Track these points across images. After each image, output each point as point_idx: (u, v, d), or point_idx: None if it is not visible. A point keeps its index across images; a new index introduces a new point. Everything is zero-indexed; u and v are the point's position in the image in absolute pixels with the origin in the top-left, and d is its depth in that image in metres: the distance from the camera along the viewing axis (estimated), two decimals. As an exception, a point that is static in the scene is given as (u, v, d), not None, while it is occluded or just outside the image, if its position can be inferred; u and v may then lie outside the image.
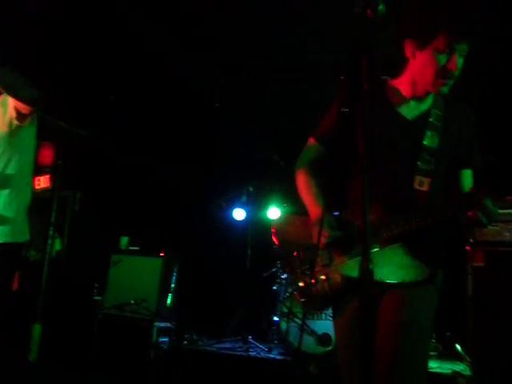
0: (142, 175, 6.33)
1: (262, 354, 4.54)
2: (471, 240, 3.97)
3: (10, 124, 2.31)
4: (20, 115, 2.29)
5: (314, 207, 2.05)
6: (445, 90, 1.92)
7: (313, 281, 2.03)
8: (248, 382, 4.23)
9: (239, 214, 6.12)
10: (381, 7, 1.52)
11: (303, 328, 4.13)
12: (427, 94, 1.99)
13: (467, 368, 3.93)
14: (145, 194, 6.30)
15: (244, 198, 5.97)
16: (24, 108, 2.26)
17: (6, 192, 2.30)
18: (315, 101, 5.39)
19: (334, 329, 2.10)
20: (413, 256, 1.86)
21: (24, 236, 2.38)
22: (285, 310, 4.69)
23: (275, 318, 4.89)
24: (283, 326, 4.64)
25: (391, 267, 1.83)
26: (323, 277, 1.99)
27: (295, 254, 2.15)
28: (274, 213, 5.93)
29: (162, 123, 6.01)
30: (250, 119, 6.01)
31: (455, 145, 1.99)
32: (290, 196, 5.70)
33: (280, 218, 2.28)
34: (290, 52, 5.04)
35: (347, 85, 1.90)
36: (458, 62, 1.85)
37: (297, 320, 4.57)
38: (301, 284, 2.07)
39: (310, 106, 5.56)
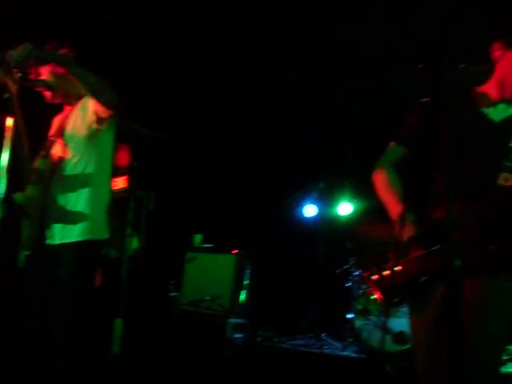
0: (216, 174, 6.43)
1: (336, 352, 4.49)
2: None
3: (90, 127, 2.41)
4: (99, 119, 2.38)
5: (394, 205, 2.03)
6: None
7: (387, 273, 1.98)
8: (322, 380, 4.18)
9: (310, 210, 6.09)
10: None
11: (385, 327, 4.03)
12: None
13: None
14: (218, 193, 6.40)
15: (315, 195, 5.93)
16: (104, 112, 2.34)
17: (86, 191, 2.41)
18: (385, 96, 5.29)
19: (410, 326, 2.03)
20: (492, 244, 1.78)
21: (104, 234, 2.47)
22: (359, 307, 4.60)
23: (349, 316, 4.81)
24: (357, 323, 4.56)
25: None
26: (399, 268, 1.93)
27: (371, 250, 2.12)
28: (344, 209, 5.85)
29: (235, 122, 6.07)
30: (320, 115, 5.94)
31: None
32: (361, 191, 5.60)
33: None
34: (365, 45, 4.92)
35: (427, 76, 1.85)
36: None
37: (371, 317, 4.47)
38: (374, 277, 2.03)
39: (379, 102, 5.44)
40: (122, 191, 6.65)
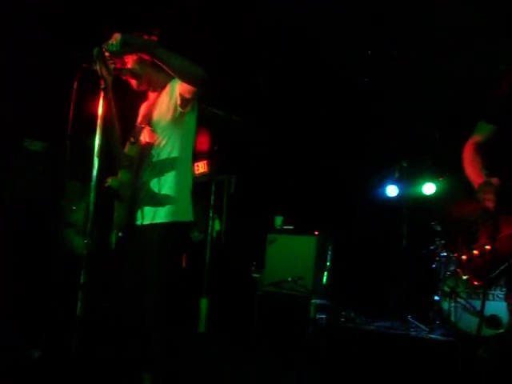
0: (294, 155, 6.43)
1: (423, 335, 4.38)
2: None
3: (174, 111, 2.48)
4: (184, 101, 2.44)
5: (477, 177, 1.99)
6: None
7: (476, 252, 1.90)
8: (408, 363, 4.10)
9: (392, 190, 5.94)
10: None
11: (482, 310, 3.87)
12: None
13: None
14: (297, 174, 6.39)
15: (396, 174, 5.76)
16: (189, 91, 2.40)
17: (172, 174, 2.50)
18: (468, 72, 5.02)
19: (507, 307, 1.94)
20: None
21: (189, 216, 2.55)
22: (446, 289, 4.45)
23: (436, 298, 4.67)
24: (445, 305, 4.41)
25: None
26: (488, 247, 1.86)
27: (459, 230, 2.06)
28: (429, 188, 5.64)
29: (312, 103, 6.01)
30: (401, 93, 5.74)
31: None
32: (446, 170, 5.38)
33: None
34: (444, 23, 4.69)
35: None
36: None
37: (460, 300, 4.31)
38: (463, 257, 1.96)
39: (463, 78, 5.17)
40: (202, 175, 6.83)
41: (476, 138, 2.15)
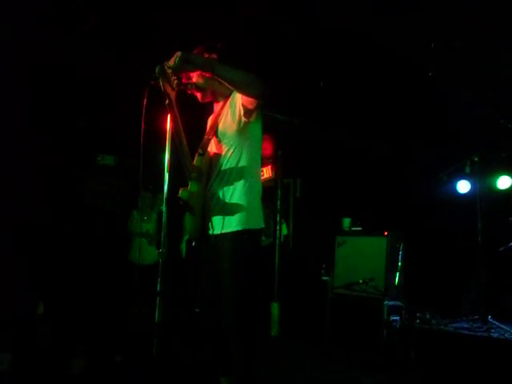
0: (360, 155, 6.35)
1: (507, 336, 4.18)
2: None
3: (239, 121, 2.54)
4: (247, 111, 2.49)
5: None
6: None
7: None
8: (490, 366, 3.93)
9: (464, 186, 5.74)
10: None
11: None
12: None
13: None
14: (363, 174, 6.31)
15: (467, 169, 5.56)
16: (251, 103, 2.45)
17: (240, 183, 2.55)
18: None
19: None
20: None
21: (260, 223, 2.59)
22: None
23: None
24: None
25: None
26: None
27: None
28: (504, 182, 5.40)
29: (376, 101, 5.91)
30: (470, 84, 5.53)
31: None
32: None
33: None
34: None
35: None
36: None
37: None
38: None
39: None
40: (268, 180, 6.90)
41: None
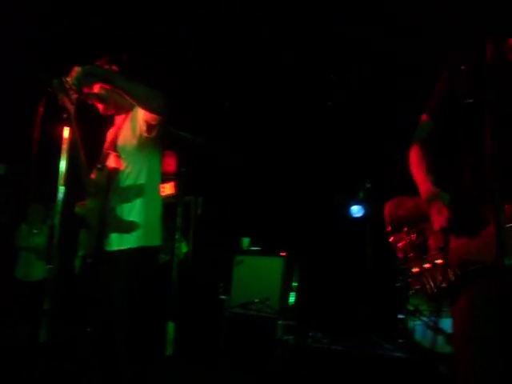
0: (260, 177, 6.48)
1: (388, 353, 4.43)
2: None
3: (140, 136, 2.49)
4: (148, 127, 2.46)
5: (424, 184, 1.90)
6: None
7: (428, 266, 1.86)
8: (374, 381, 4.15)
9: (357, 210, 6.05)
10: None
11: (436, 326, 3.95)
12: None
13: None
14: (263, 196, 6.44)
15: (361, 195, 5.88)
16: (153, 118, 2.42)
17: (139, 200, 2.50)
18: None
19: (453, 319, 1.84)
20: None
21: (157, 241, 2.56)
22: (410, 307, 4.53)
23: (400, 316, 4.74)
24: (409, 324, 4.50)
25: None
26: (439, 261, 1.81)
27: (407, 237, 1.98)
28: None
29: (276, 122, 6.10)
30: (366, 115, 5.89)
31: None
32: (410, 191, 5.51)
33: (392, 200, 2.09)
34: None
35: (470, 74, 1.76)
36: None
37: (423, 318, 4.40)
38: (415, 270, 1.94)
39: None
40: (169, 197, 6.81)
41: (419, 136, 2.04)
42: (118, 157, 2.54)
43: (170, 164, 6.67)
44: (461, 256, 1.76)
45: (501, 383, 1.65)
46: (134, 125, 2.51)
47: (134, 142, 2.50)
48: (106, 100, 2.58)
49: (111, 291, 2.41)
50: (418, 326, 4.43)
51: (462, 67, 1.77)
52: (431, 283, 1.87)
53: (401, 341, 4.63)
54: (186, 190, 6.51)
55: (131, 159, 2.52)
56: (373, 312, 5.27)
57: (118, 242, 2.45)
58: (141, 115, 2.44)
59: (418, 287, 1.92)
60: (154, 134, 2.49)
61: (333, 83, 5.49)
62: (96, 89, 2.56)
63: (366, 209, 5.89)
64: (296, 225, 6.26)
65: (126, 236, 2.44)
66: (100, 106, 2.61)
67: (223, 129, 6.06)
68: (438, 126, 1.97)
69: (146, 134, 2.47)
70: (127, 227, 2.44)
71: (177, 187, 6.72)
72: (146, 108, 2.37)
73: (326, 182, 6.19)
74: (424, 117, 2.04)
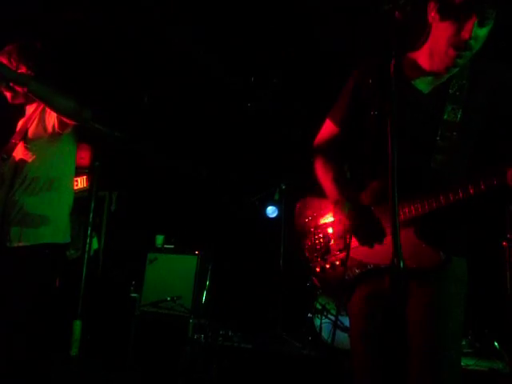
0: (177, 174, 6.43)
1: (296, 351, 4.57)
2: (508, 235, 3.91)
3: (53, 131, 2.40)
4: (62, 123, 2.38)
5: (331, 192, 1.97)
6: (460, 62, 1.71)
7: (327, 266, 1.98)
8: (282, 378, 4.26)
9: (272, 211, 6.17)
10: (409, 8, 1.42)
11: (336, 323, 4.13)
12: (448, 69, 1.76)
13: (505, 366, 3.87)
14: (179, 193, 6.40)
15: (277, 196, 6.00)
16: (67, 119, 2.35)
17: (48, 194, 2.40)
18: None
19: (349, 315, 1.98)
20: (425, 240, 1.71)
21: (65, 237, 2.47)
22: (318, 306, 4.70)
23: (309, 315, 4.91)
24: (317, 322, 4.66)
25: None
26: (338, 262, 1.95)
27: (313, 238, 2.09)
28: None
29: (194, 122, 6.09)
30: (282, 119, 6.02)
31: (483, 113, 1.78)
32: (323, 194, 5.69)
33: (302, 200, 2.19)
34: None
35: (375, 87, 1.87)
36: (478, 31, 1.61)
37: (330, 317, 4.58)
38: (317, 269, 2.03)
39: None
40: (82, 191, 6.56)
41: (324, 140, 2.08)
42: (27, 148, 2.43)
43: (84, 157, 6.43)
44: (358, 258, 1.88)
45: (382, 377, 1.79)
46: (45, 118, 2.41)
47: (46, 135, 2.41)
48: (14, 89, 2.46)
49: (10, 290, 2.29)
50: (324, 324, 4.60)
51: (370, 80, 1.87)
52: (330, 282, 1.99)
53: (309, 339, 4.79)
54: (99, 184, 6.32)
55: (42, 152, 2.43)
56: (283, 310, 5.40)
57: (23, 238, 2.33)
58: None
59: (319, 285, 2.04)
60: (67, 130, 2.42)
61: (253, 85, 5.56)
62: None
63: (280, 209, 6.02)
64: (211, 224, 6.28)
65: (31, 231, 2.33)
66: (8, 95, 2.48)
67: (142, 124, 5.95)
68: (344, 134, 2.03)
69: (58, 130, 2.38)
70: (34, 221, 2.34)
71: (90, 181, 6.51)
72: (57, 113, 2.30)
73: (241, 183, 6.26)
74: (328, 123, 2.08)
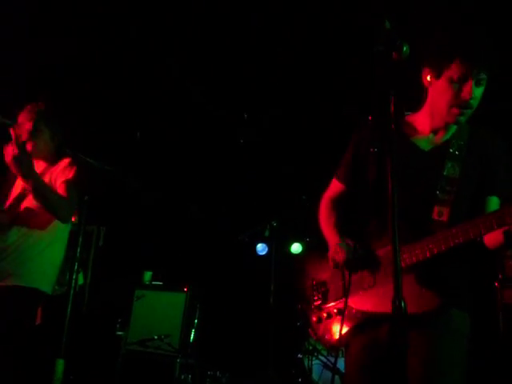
0: (166, 211, 6.39)
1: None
2: (500, 276, 3.90)
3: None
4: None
5: (332, 237, 2.05)
6: (462, 119, 1.86)
7: (324, 315, 1.97)
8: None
9: (262, 248, 6.12)
10: (405, 49, 1.47)
11: (334, 367, 4.04)
12: (447, 124, 1.92)
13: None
14: (168, 230, 6.34)
15: (267, 233, 5.96)
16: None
17: (42, 240, 2.39)
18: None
19: (345, 365, 1.97)
20: (425, 286, 1.74)
21: (47, 287, 2.46)
22: (308, 346, 4.61)
23: (299, 355, 4.81)
24: (306, 363, 4.56)
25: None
26: (336, 311, 1.95)
27: (309, 287, 2.12)
28: (297, 248, 5.91)
29: (185, 159, 6.10)
30: (275, 155, 6.05)
31: (480, 173, 1.91)
32: (313, 231, 5.68)
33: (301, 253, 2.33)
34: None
35: (375, 125, 1.91)
36: (475, 91, 1.78)
37: (321, 357, 4.48)
38: (313, 319, 2.02)
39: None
40: (71, 225, 6.48)
41: (329, 195, 2.22)
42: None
43: (73, 191, 6.38)
44: (356, 307, 1.88)
45: None
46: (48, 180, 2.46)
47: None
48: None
49: None
50: (315, 365, 4.50)
51: (369, 117, 1.92)
52: (326, 333, 1.97)
53: (299, 380, 4.68)
54: (88, 219, 6.25)
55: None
56: (273, 351, 5.28)
57: (9, 277, 2.29)
58: (59, 181, 2.37)
59: (315, 338, 2.01)
60: None
61: (245, 121, 5.60)
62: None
63: (270, 247, 5.98)
64: (200, 260, 6.21)
65: (18, 272, 2.29)
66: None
67: (133, 160, 5.94)
68: (350, 190, 2.16)
69: None
70: (22, 263, 2.31)
71: (79, 216, 6.43)
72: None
73: (231, 220, 6.22)
74: (334, 181, 2.22)
